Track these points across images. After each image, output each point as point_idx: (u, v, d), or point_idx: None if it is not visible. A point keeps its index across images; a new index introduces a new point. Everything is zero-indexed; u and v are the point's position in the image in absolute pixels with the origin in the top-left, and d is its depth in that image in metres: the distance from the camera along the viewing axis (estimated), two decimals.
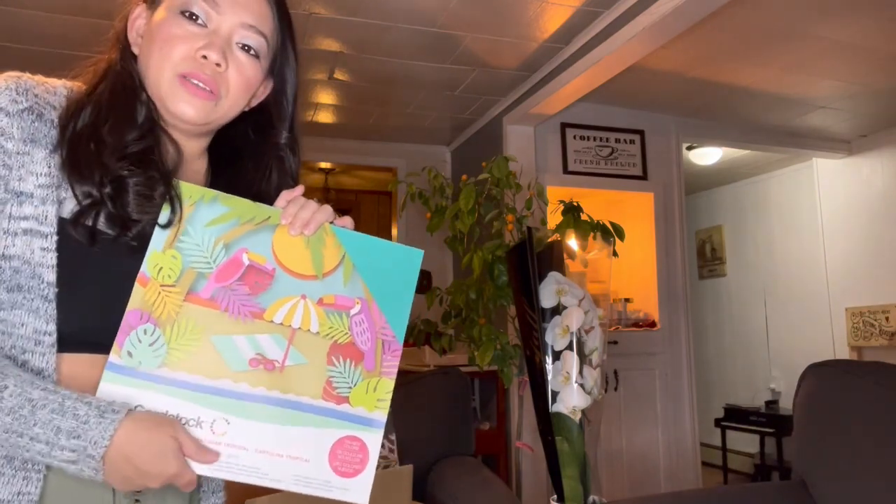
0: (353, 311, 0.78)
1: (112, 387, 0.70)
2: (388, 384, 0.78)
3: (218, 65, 0.79)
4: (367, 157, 4.61)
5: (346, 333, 0.77)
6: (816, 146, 4.55)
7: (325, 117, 4.05)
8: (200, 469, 0.70)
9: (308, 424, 0.73)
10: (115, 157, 0.76)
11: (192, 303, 0.73)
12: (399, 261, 0.81)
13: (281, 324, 0.75)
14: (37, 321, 0.72)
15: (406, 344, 3.75)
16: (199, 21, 0.79)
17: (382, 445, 2.11)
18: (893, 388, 1.54)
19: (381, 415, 0.76)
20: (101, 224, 0.75)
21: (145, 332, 0.71)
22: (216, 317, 0.73)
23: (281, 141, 0.90)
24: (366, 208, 6.06)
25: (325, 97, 3.73)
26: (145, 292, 0.72)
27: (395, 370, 0.79)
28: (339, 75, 3.40)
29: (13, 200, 0.73)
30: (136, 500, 0.80)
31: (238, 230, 0.76)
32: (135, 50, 0.83)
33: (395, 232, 4.79)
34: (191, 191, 0.77)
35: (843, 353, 4.49)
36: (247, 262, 0.76)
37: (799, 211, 5.00)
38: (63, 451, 0.67)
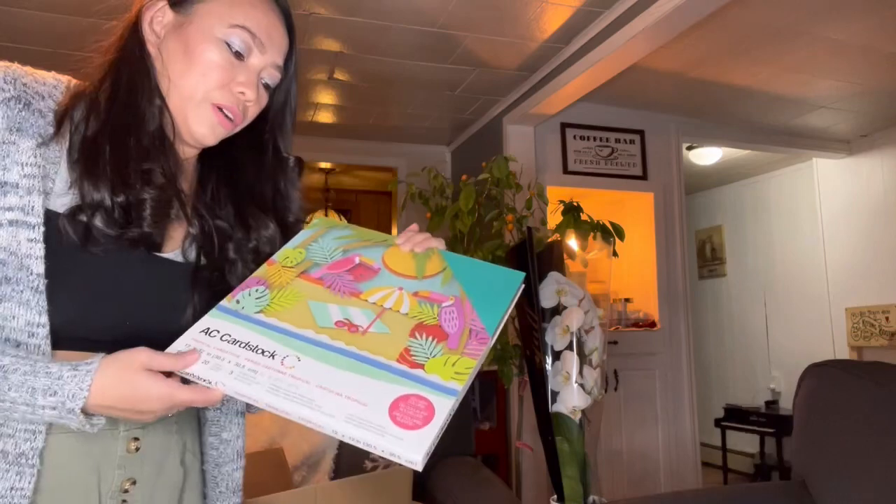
0: (445, 304, 0.81)
1: (212, 319, 0.76)
2: (470, 362, 0.74)
3: (249, 101, 0.84)
4: (367, 157, 4.61)
5: (435, 318, 0.79)
6: (816, 146, 4.55)
7: (325, 117, 4.05)
8: (251, 390, 0.68)
9: (377, 378, 0.71)
10: (133, 168, 0.77)
11: (303, 279, 0.83)
12: (500, 278, 0.87)
13: (374, 303, 0.80)
14: (28, 313, 0.72)
15: None
16: (239, 53, 0.82)
17: None
18: (893, 388, 1.54)
19: (457, 384, 0.71)
20: (98, 221, 0.75)
21: (257, 290, 0.80)
22: (319, 290, 0.81)
23: (283, 153, 0.93)
24: (366, 208, 6.06)
25: (325, 97, 3.73)
26: (268, 269, 0.84)
27: (480, 353, 0.76)
28: (339, 75, 3.40)
29: None
30: (124, 502, 0.79)
31: (358, 244, 0.89)
32: (150, 49, 0.82)
33: (395, 232, 4.79)
34: (330, 221, 0.93)
35: (843, 353, 4.49)
36: (357, 261, 0.86)
37: (799, 211, 5.00)
38: (45, 410, 0.67)
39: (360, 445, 0.66)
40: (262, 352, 0.72)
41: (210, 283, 0.86)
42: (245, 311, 0.77)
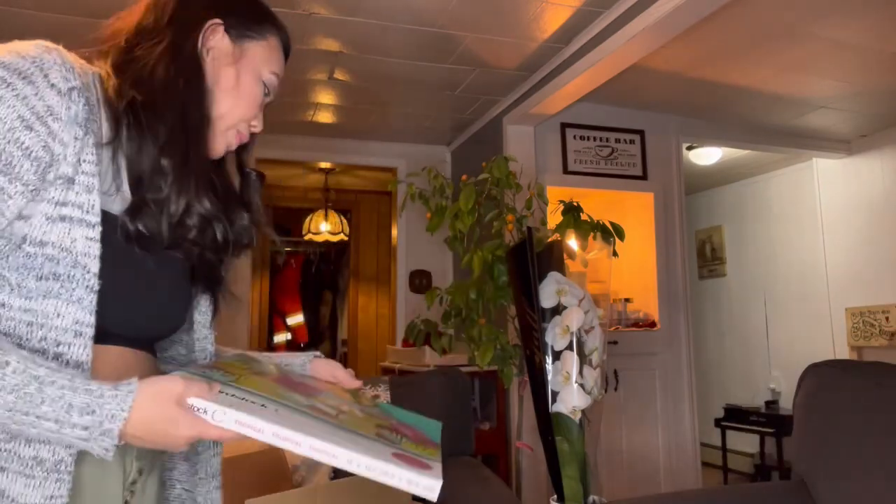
0: (391, 421, 0.85)
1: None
2: (435, 451, 0.78)
3: (256, 132, 0.92)
4: (367, 157, 4.61)
5: (389, 424, 0.83)
6: (816, 146, 4.55)
7: (325, 117, 4.05)
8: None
9: (367, 439, 0.73)
10: (203, 179, 0.81)
11: (256, 376, 0.81)
12: (425, 424, 0.90)
13: (331, 405, 0.81)
14: (78, 312, 0.70)
15: (406, 344, 3.74)
16: (267, 94, 0.90)
17: None
18: (893, 388, 1.54)
19: (434, 460, 0.74)
20: (152, 223, 0.76)
21: (213, 371, 0.77)
22: (276, 386, 0.80)
23: (246, 169, 0.96)
24: (366, 208, 6.05)
25: (325, 97, 3.73)
26: (214, 362, 0.86)
27: (438, 447, 0.80)
28: (339, 75, 3.40)
29: (54, 185, 0.70)
30: (132, 492, 0.82)
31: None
32: (205, 67, 0.84)
33: (395, 232, 4.78)
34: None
35: (843, 353, 4.49)
36: (299, 381, 0.86)
37: (799, 211, 5.00)
38: (74, 429, 0.63)
39: (376, 474, 0.68)
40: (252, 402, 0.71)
41: (206, 277, 0.90)
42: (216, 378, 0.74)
